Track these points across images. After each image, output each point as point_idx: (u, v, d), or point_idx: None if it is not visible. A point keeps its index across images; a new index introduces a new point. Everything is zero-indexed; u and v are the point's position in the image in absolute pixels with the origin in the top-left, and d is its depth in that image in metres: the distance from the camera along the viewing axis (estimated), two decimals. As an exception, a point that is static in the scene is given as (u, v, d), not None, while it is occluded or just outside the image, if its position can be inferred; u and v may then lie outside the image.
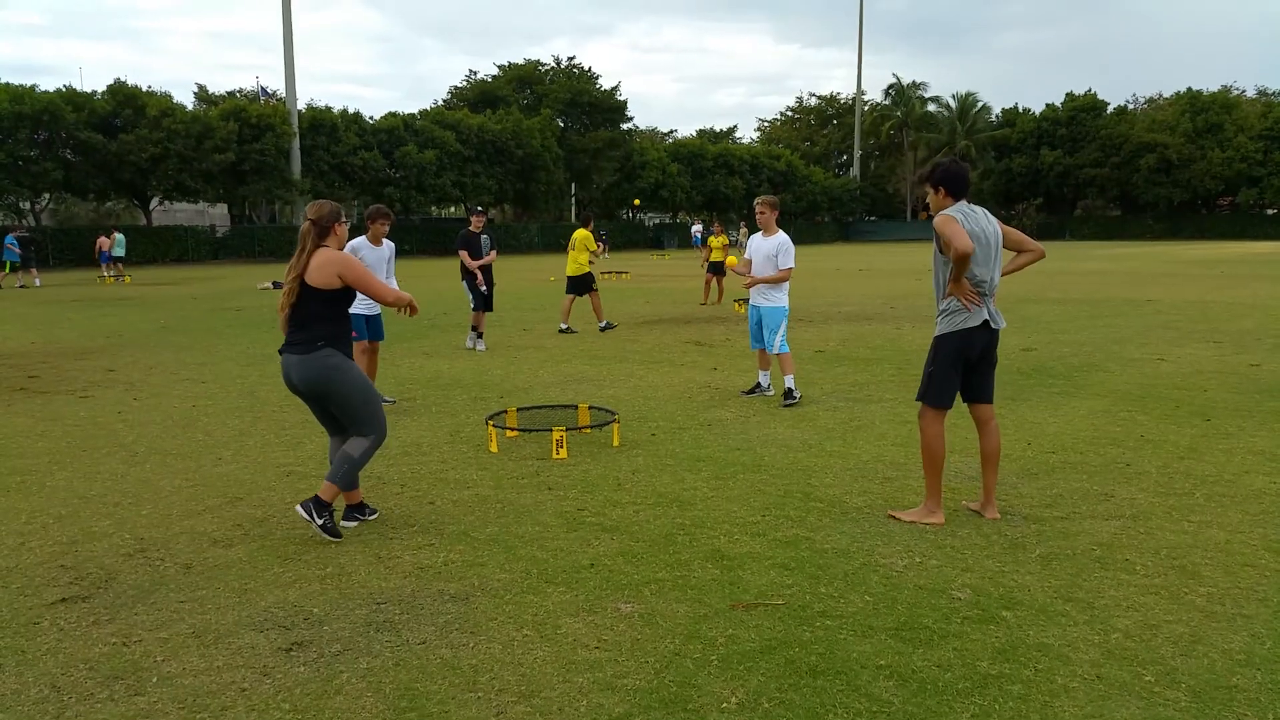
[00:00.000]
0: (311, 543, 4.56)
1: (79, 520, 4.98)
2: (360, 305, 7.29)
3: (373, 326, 8.13)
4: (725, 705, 3.00)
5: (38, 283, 26.42)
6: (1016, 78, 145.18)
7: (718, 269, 18.26)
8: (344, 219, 4.72)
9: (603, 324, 13.80)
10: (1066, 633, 3.48)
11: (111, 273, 28.79)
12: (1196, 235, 62.66)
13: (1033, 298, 17.96)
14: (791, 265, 7.94)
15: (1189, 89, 64.87)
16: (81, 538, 4.70)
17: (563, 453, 6.20)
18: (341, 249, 4.71)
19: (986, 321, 4.65)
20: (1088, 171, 65.49)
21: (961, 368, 4.73)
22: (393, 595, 3.93)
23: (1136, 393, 8.14)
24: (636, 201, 59.57)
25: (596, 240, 16.23)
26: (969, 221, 4.59)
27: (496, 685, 3.16)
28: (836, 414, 7.45)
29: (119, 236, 29.31)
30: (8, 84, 37.69)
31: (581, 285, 13.87)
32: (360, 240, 8.01)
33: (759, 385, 8.33)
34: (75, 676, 3.25)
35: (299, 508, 4.59)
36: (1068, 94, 68.49)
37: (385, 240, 8.20)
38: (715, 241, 18.47)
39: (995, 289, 4.70)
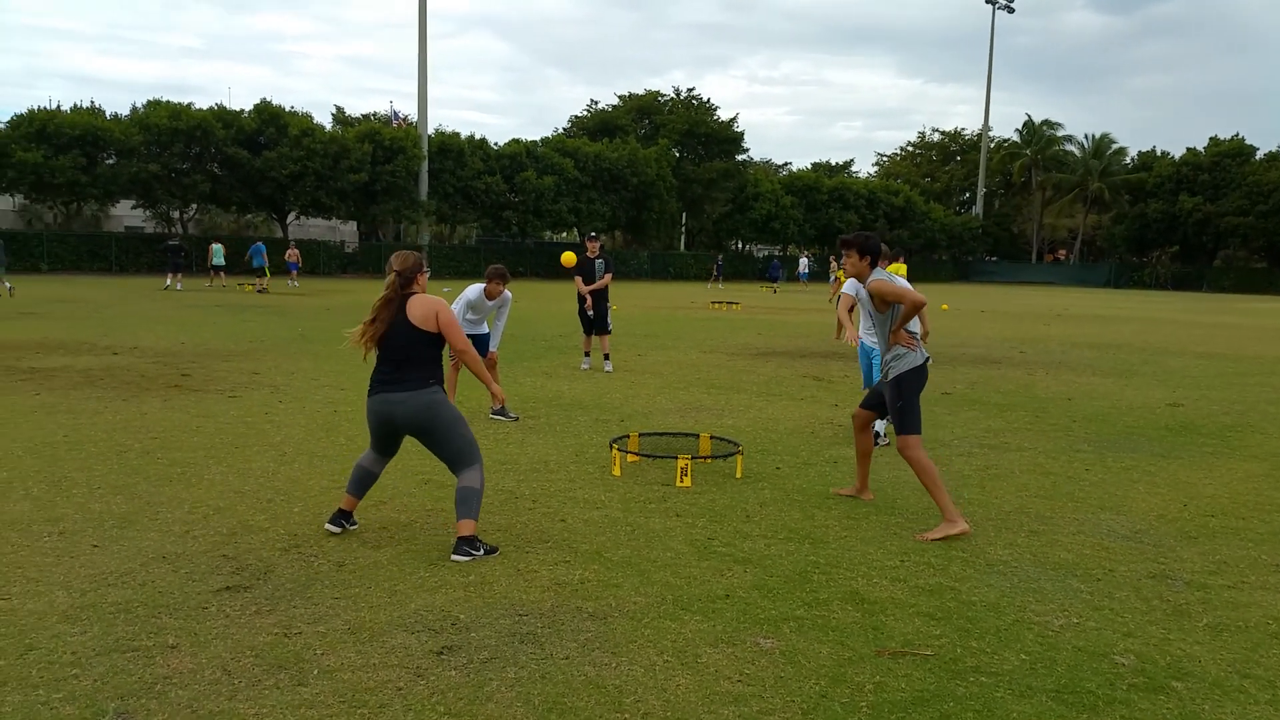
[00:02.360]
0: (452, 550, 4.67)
1: (236, 513, 5.22)
2: (468, 327, 8.12)
3: (478, 344, 8.53)
4: (879, 751, 2.92)
5: (179, 286, 28.11)
6: (1153, 121, 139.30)
7: None
8: (425, 269, 4.91)
9: None
10: (1247, 711, 3.28)
11: (216, 281, 30.65)
12: (1354, 293, 58.69)
13: (1174, 350, 17.14)
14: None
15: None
16: (240, 530, 4.92)
17: (687, 481, 6.19)
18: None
19: (928, 358, 5.57)
20: (1230, 220, 62.01)
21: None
22: (533, 608, 3.98)
23: (1297, 458, 7.65)
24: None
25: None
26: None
27: (642, 709, 3.16)
28: (971, 460, 7.23)
29: (216, 246, 31.17)
30: (167, 101, 40.30)
31: None
32: (475, 289, 8.45)
33: (877, 434, 7.55)
34: (243, 662, 3.40)
35: (454, 557, 4.56)
36: (1211, 138, 65.29)
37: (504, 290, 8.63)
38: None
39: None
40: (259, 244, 30.93)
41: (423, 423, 4.66)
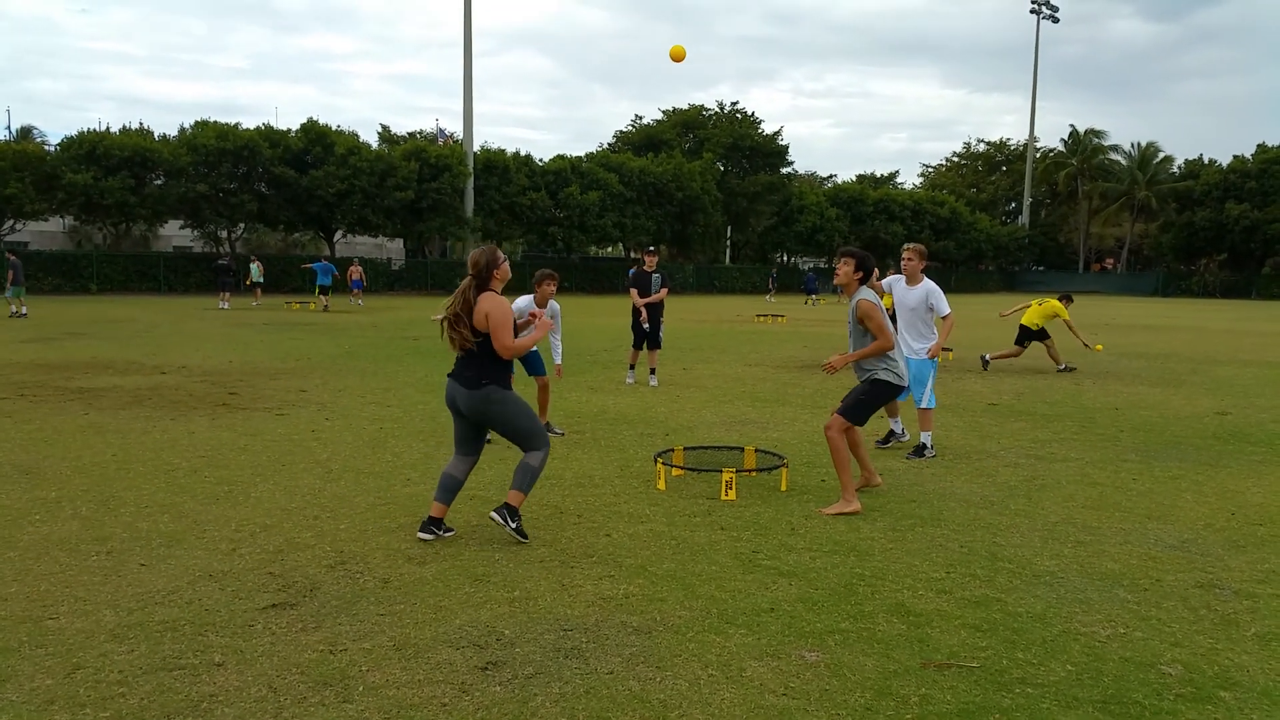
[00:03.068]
0: (498, 565, 4.72)
1: (283, 530, 5.32)
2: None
3: (530, 363, 8.48)
4: (923, 766, 2.90)
5: (224, 305, 28.71)
6: (1200, 128, 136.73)
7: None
8: (500, 260, 5.17)
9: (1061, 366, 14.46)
10: (1298, 723, 3.21)
11: (257, 300, 31.09)
12: None
13: (1223, 359, 16.76)
14: (948, 311, 7.66)
15: (1404, 140, 59.39)
16: (286, 547, 5.02)
17: (731, 494, 6.19)
18: (502, 288, 5.21)
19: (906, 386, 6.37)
20: (1278, 227, 60.69)
21: None
22: (578, 623, 4.01)
23: (1355, 466, 7.45)
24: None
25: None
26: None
27: (685, 723, 3.16)
28: (1018, 471, 7.14)
29: (254, 265, 31.61)
30: (214, 122, 41.23)
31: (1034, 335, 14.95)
32: (526, 300, 8.14)
33: (892, 433, 8.12)
34: (289, 679, 3.46)
35: (493, 514, 5.13)
36: (1259, 145, 63.96)
37: (551, 302, 8.33)
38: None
39: None
40: (322, 262, 31.20)
41: (480, 417, 5.09)
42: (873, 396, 6.13)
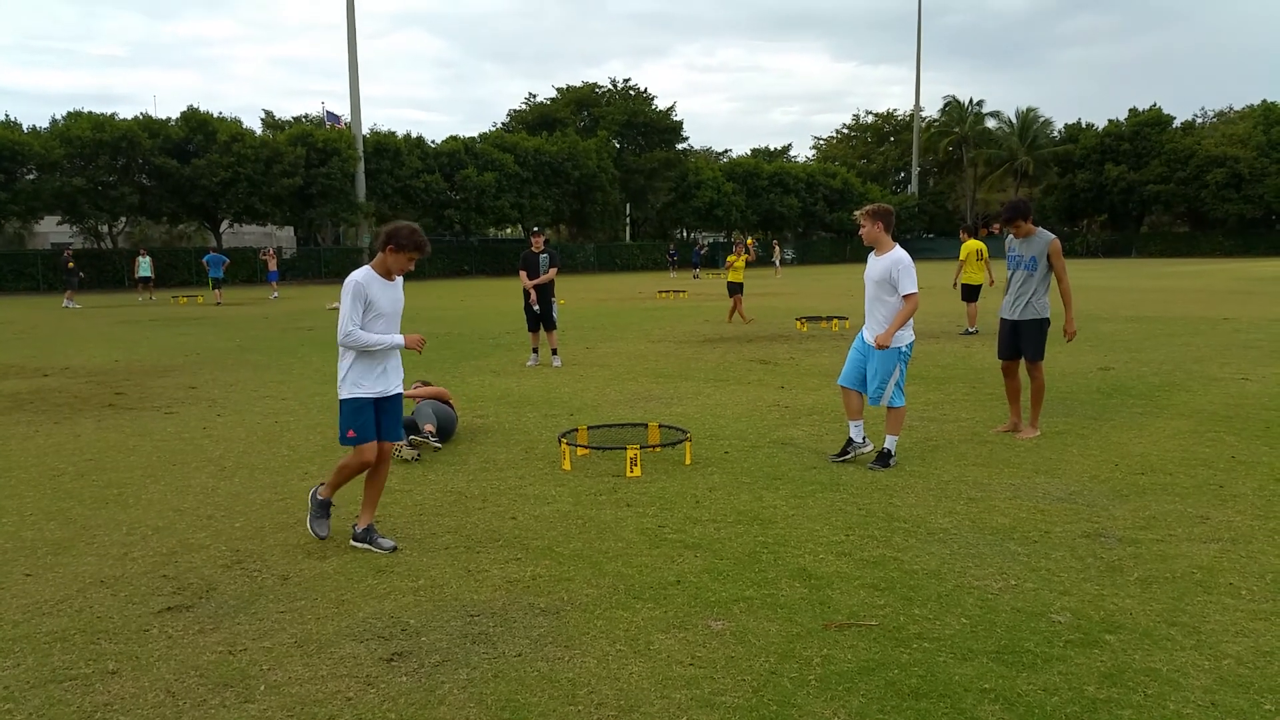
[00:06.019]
0: (401, 556, 4.64)
1: (176, 532, 5.13)
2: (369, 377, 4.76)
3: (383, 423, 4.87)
4: (828, 724, 2.98)
5: (71, 304, 26.94)
6: (1079, 94, 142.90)
7: (736, 289, 18.07)
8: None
9: None
10: (1174, 658, 3.40)
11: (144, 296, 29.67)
12: (1270, 252, 60.76)
13: (1105, 316, 17.59)
14: (913, 289, 6.19)
15: (1264, 101, 63.18)
16: (180, 549, 4.84)
17: (637, 470, 6.22)
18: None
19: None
20: (1153, 188, 63.99)
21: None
22: (485, 608, 3.98)
23: (1223, 413, 7.93)
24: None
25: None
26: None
27: (595, 699, 3.18)
28: (912, 433, 7.36)
29: (143, 259, 30.15)
30: (89, 113, 39.19)
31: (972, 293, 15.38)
32: (366, 272, 4.75)
33: (851, 442, 6.52)
34: (188, 683, 3.34)
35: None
36: (1131, 109, 67.31)
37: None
38: (738, 261, 18.26)
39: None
40: (215, 254, 29.72)
41: None
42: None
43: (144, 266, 30.04)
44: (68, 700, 3.23)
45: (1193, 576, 4.19)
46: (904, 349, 6.31)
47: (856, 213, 6.57)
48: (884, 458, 6.30)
